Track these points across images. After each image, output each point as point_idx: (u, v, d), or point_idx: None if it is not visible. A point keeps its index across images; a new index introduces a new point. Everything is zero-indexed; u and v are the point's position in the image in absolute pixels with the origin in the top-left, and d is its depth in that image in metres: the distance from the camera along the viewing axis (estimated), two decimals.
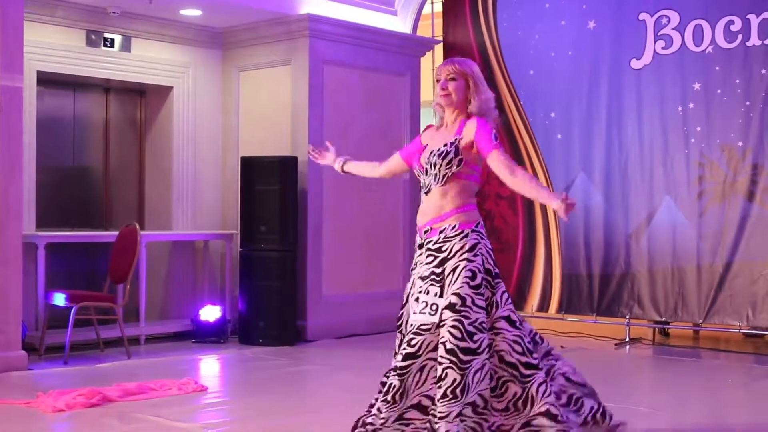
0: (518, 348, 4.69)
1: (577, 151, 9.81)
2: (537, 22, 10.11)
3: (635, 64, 9.43)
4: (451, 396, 4.49)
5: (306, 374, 7.83)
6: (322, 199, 9.59)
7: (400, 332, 4.89)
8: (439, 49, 10.89)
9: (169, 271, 9.88)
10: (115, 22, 9.24)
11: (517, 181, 4.82)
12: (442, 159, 4.78)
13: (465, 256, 4.69)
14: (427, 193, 4.85)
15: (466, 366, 4.52)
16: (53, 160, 9.41)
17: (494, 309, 4.71)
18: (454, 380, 4.51)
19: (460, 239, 4.73)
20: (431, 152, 4.84)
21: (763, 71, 8.70)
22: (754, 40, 8.76)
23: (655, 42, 9.30)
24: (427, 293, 4.71)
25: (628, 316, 9.44)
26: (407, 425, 4.66)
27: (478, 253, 4.73)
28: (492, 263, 4.80)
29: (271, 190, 9.15)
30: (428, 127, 5.18)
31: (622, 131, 9.52)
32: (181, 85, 9.93)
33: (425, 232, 4.83)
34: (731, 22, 8.86)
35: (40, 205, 8.86)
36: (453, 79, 4.86)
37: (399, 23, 10.53)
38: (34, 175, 8.74)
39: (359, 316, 9.89)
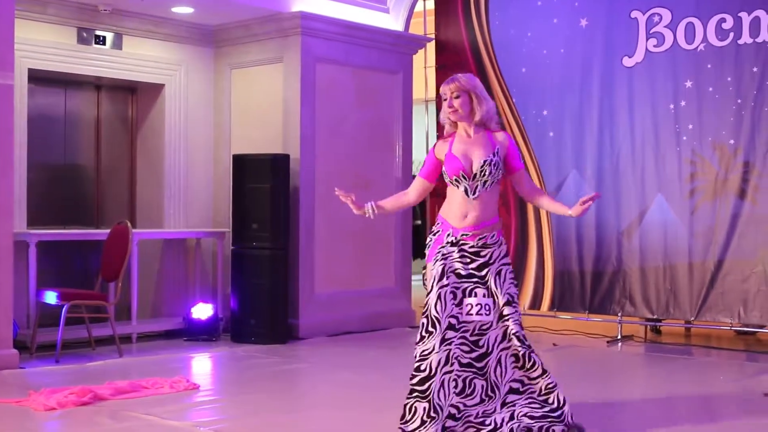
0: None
1: (570, 148, 9.82)
2: (529, 20, 10.11)
3: (627, 61, 9.44)
4: (544, 370, 5.28)
5: (298, 372, 7.83)
6: (314, 197, 9.59)
7: (425, 316, 5.21)
8: (431, 46, 10.89)
9: (160, 269, 9.86)
10: (106, 19, 9.22)
11: (538, 199, 5.64)
12: (495, 167, 5.33)
13: (505, 260, 5.38)
14: (476, 198, 5.36)
15: (532, 346, 5.32)
16: (44, 158, 9.39)
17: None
18: (535, 361, 5.28)
19: (499, 246, 5.37)
20: (485, 161, 5.33)
21: (755, 69, 8.72)
22: (745, 38, 8.77)
23: (647, 40, 9.31)
24: (475, 295, 5.24)
25: (620, 314, 9.46)
26: (513, 406, 5.26)
27: (508, 255, 5.44)
28: None
29: (263, 188, 9.14)
30: (439, 140, 5.68)
31: (614, 129, 9.53)
32: (172, 83, 9.91)
33: (463, 234, 5.33)
34: (723, 20, 8.88)
35: (31, 203, 8.85)
36: (457, 96, 5.38)
37: (391, 21, 10.53)
38: (25, 173, 8.72)
39: (351, 314, 9.90)
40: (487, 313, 5.21)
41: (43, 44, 8.89)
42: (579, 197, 9.56)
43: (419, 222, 13.58)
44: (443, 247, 5.33)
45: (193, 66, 10.06)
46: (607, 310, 9.57)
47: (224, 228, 9.87)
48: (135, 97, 10.15)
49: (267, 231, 9.18)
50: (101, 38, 9.30)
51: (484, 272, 5.26)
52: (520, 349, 5.24)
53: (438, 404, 5.06)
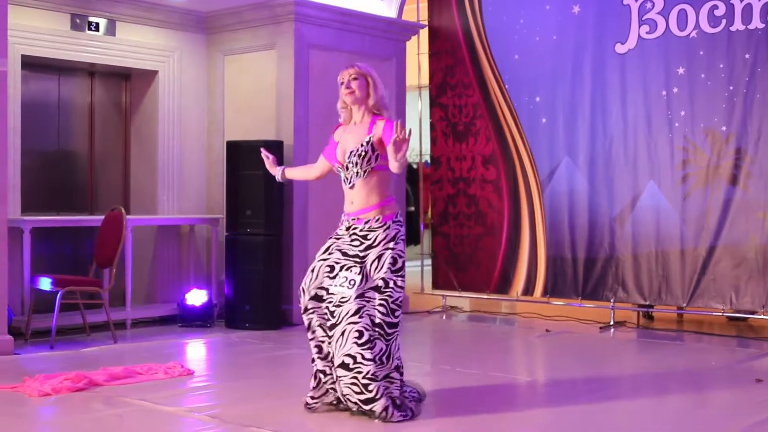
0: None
1: (562, 135, 9.84)
2: (522, 7, 10.12)
3: (619, 48, 9.46)
4: (379, 362, 5.39)
5: (291, 358, 7.85)
6: (308, 184, 9.59)
7: (312, 270, 5.61)
8: (424, 33, 10.89)
9: (155, 255, 9.88)
10: (99, 5, 9.22)
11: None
12: (361, 158, 5.50)
13: (388, 245, 5.48)
14: (351, 187, 5.59)
15: (390, 338, 5.46)
16: (38, 145, 9.39)
17: None
18: (381, 349, 5.42)
19: (384, 230, 5.50)
20: (351, 152, 5.55)
21: (747, 56, 8.74)
22: (737, 25, 8.79)
23: (639, 26, 9.32)
24: (349, 270, 5.46)
25: (612, 300, 9.49)
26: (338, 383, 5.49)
27: (398, 240, 5.52)
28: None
29: (257, 175, 9.14)
30: (338, 126, 5.84)
31: (606, 115, 9.55)
32: (166, 70, 9.91)
33: (353, 219, 5.58)
34: (715, 6, 8.89)
35: (25, 189, 8.85)
36: (355, 78, 5.61)
37: (384, 7, 10.53)
38: (19, 160, 8.73)
39: None
40: (350, 287, 5.41)
41: (37, 31, 8.88)
42: (571, 183, 9.71)
43: (412, 208, 13.61)
44: (339, 229, 5.67)
45: (186, 52, 10.05)
46: (600, 296, 9.60)
47: (218, 214, 9.88)
48: (128, 83, 10.15)
49: (261, 217, 9.20)
50: (94, 24, 9.29)
51: (365, 254, 5.49)
52: (367, 328, 5.38)
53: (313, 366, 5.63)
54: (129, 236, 8.96)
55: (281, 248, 9.33)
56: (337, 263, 5.54)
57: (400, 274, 5.49)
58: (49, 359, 7.46)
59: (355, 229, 5.57)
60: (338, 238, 5.64)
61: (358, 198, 5.57)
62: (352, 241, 5.56)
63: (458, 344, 8.89)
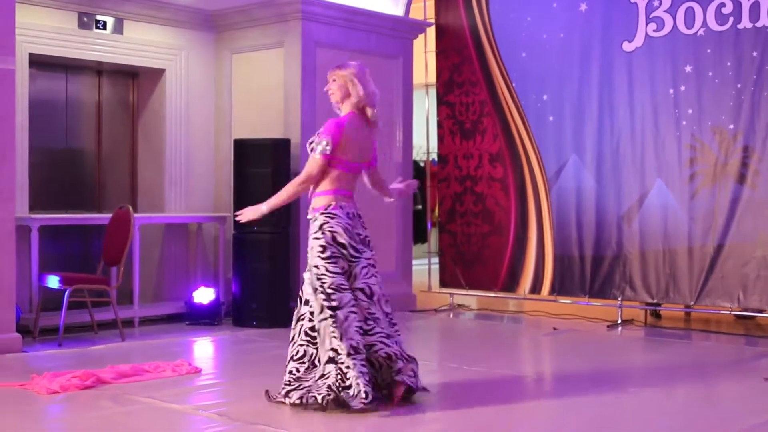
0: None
1: (569, 133, 9.83)
2: (529, 5, 10.11)
3: (627, 46, 9.44)
4: (333, 348, 5.62)
5: None
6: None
7: None
8: (431, 31, 10.89)
9: (162, 253, 9.89)
10: (107, 4, 9.23)
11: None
12: (309, 151, 5.90)
13: (315, 235, 5.78)
14: None
15: (323, 320, 5.67)
16: (46, 143, 9.40)
17: (354, 280, 5.78)
18: (320, 330, 5.71)
19: (312, 222, 5.84)
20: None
21: (754, 54, 8.72)
22: (745, 23, 8.77)
23: (646, 24, 9.31)
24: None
25: (620, 298, 9.48)
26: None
27: (325, 231, 5.75)
28: (348, 238, 5.80)
29: (264, 173, 9.15)
30: None
31: (613, 114, 9.54)
32: (173, 68, 9.92)
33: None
34: (722, 4, 8.87)
35: (33, 187, 8.87)
36: (334, 80, 5.94)
37: (391, 5, 10.53)
38: (27, 158, 8.74)
39: None
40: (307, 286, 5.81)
41: (44, 29, 8.89)
42: (578, 181, 9.69)
43: (419, 207, 13.61)
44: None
45: (193, 51, 10.06)
46: (608, 294, 9.59)
47: (225, 212, 9.89)
48: (136, 81, 10.16)
49: (268, 215, 9.17)
50: (102, 23, 9.30)
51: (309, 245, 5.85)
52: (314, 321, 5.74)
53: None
54: (137, 234, 8.97)
55: (288, 246, 9.33)
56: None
57: (332, 260, 5.74)
58: (57, 357, 7.47)
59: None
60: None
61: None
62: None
63: (465, 342, 8.88)
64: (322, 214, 5.81)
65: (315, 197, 5.90)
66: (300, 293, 5.89)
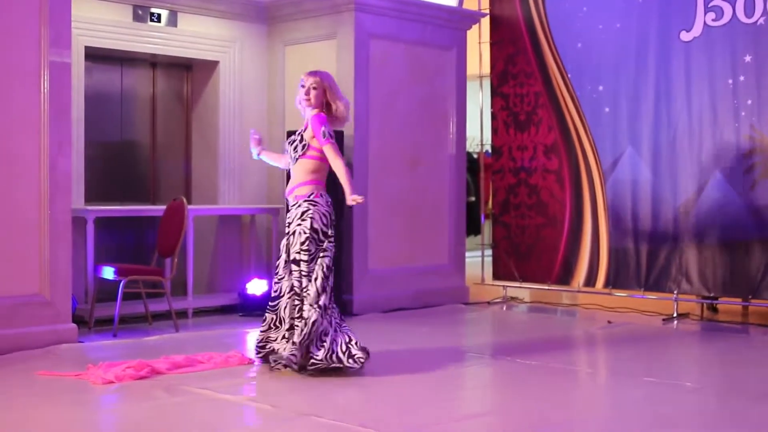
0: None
1: (625, 124, 9.72)
2: None
3: (684, 36, 9.30)
4: (306, 319, 6.40)
5: None
6: (368, 173, 9.59)
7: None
8: (485, 22, 10.81)
9: (216, 245, 9.94)
10: None
11: (338, 165, 6.51)
12: (292, 146, 6.61)
13: (297, 221, 6.45)
14: (290, 168, 6.67)
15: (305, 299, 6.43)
16: (101, 136, 9.49)
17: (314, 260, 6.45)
18: (301, 309, 6.45)
19: (296, 208, 6.49)
20: (288, 141, 6.69)
21: None
22: None
23: (705, 13, 9.16)
24: (285, 249, 6.55)
25: (676, 291, 9.36)
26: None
27: (306, 218, 6.41)
28: (323, 225, 6.45)
29: None
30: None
31: (670, 105, 9.41)
32: (227, 60, 9.95)
33: (288, 198, 6.60)
34: None
35: (88, 179, 8.95)
36: (315, 88, 6.59)
37: None
38: (83, 150, 8.82)
39: (404, 291, 9.90)
40: (284, 264, 6.53)
41: (100, 22, 8.96)
42: (635, 174, 9.59)
43: (473, 198, 13.54)
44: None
45: (247, 43, 10.09)
46: (663, 287, 9.48)
47: (278, 204, 9.91)
48: (190, 74, 10.21)
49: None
50: (156, 15, 9.36)
51: (290, 229, 6.50)
52: (295, 301, 6.44)
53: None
54: (190, 226, 9.01)
55: (341, 238, 9.31)
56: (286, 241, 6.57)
57: (305, 247, 6.42)
58: (112, 347, 7.53)
59: (292, 207, 6.56)
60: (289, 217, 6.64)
61: (292, 179, 6.60)
62: (288, 216, 6.61)
63: (519, 335, 8.82)
64: (306, 201, 6.48)
65: (303, 184, 6.53)
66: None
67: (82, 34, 8.75)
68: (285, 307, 6.51)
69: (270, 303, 6.68)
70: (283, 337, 6.52)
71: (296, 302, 6.46)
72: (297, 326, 6.40)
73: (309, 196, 6.46)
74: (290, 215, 6.53)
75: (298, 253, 6.41)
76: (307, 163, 6.54)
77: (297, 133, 6.66)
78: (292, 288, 6.47)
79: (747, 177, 8.92)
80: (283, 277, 6.54)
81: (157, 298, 8.88)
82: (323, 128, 6.49)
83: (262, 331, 6.66)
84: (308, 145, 6.54)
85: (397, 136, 9.91)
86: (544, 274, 10.32)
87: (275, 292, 6.63)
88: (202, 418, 5.38)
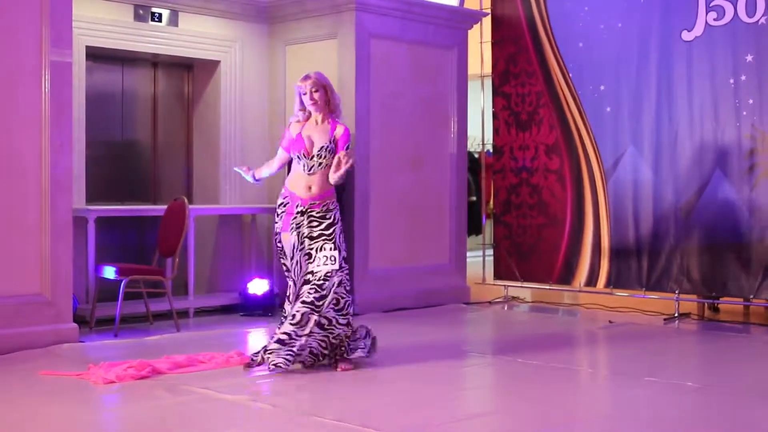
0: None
1: (627, 124, 9.72)
2: None
3: (686, 35, 9.30)
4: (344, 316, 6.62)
5: None
6: (369, 174, 9.59)
7: (292, 279, 6.68)
8: (487, 21, 10.81)
9: (217, 244, 9.94)
10: None
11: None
12: (329, 152, 6.67)
13: (339, 223, 6.69)
14: (311, 174, 6.65)
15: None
16: (102, 135, 9.48)
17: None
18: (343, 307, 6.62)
19: (336, 210, 6.71)
20: (322, 146, 6.67)
21: None
22: None
23: (706, 13, 9.16)
24: (323, 249, 6.55)
25: (677, 291, 9.36)
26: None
27: (335, 220, 6.67)
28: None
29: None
30: (290, 123, 6.91)
31: (672, 104, 9.41)
32: (228, 60, 9.95)
33: (311, 204, 6.62)
34: None
35: (89, 179, 8.95)
36: (316, 91, 6.71)
37: None
38: (84, 150, 8.82)
39: (405, 290, 9.90)
40: (333, 263, 6.53)
41: (101, 22, 8.96)
42: (636, 173, 9.58)
43: (474, 198, 13.53)
44: (295, 218, 6.64)
45: (248, 42, 10.08)
46: (665, 287, 9.47)
47: None
48: (191, 73, 10.21)
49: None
50: (157, 15, 9.36)
51: (330, 231, 6.58)
52: (344, 296, 6.56)
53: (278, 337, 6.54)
54: (191, 226, 9.01)
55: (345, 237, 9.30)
56: (311, 248, 6.57)
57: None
58: (113, 347, 7.53)
59: (311, 212, 6.62)
60: (298, 227, 6.63)
61: (316, 184, 6.65)
62: (309, 223, 6.61)
63: (520, 335, 8.81)
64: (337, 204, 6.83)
65: (333, 190, 6.77)
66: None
67: (83, 34, 8.74)
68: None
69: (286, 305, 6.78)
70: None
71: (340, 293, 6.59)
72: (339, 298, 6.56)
73: (333, 202, 6.74)
74: (302, 219, 6.62)
75: (337, 249, 6.59)
76: (326, 171, 6.68)
77: (330, 141, 6.70)
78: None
79: (748, 176, 8.92)
80: (297, 277, 6.62)
81: (158, 298, 8.87)
82: (348, 144, 6.76)
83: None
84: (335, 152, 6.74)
85: (399, 135, 9.90)
86: (545, 274, 10.32)
87: (288, 297, 6.73)
88: (203, 418, 5.38)
